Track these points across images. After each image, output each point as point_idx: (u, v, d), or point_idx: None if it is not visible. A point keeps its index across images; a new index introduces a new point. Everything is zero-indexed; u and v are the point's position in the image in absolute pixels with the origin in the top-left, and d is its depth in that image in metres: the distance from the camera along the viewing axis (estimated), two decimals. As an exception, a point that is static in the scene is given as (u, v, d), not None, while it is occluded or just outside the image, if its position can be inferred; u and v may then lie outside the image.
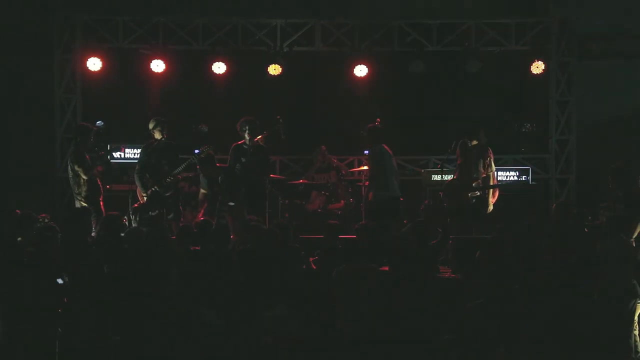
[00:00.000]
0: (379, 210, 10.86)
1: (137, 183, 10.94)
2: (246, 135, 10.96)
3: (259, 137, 11.17)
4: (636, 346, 7.89)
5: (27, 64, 13.67)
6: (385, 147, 11.22)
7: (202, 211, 11.57)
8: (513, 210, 11.48)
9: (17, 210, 8.72)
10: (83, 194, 10.64)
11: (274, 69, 13.24)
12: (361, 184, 12.00)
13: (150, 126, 10.94)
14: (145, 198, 10.80)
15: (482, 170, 10.95)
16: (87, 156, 10.78)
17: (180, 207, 11.11)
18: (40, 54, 13.54)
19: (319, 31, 13.62)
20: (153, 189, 10.73)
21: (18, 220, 8.52)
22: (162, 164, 10.83)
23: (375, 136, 11.27)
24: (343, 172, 12.92)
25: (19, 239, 8.37)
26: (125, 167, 12.55)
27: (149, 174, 10.82)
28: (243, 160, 10.87)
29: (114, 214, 9.17)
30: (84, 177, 10.63)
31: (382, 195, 10.98)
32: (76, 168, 10.65)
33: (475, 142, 11.06)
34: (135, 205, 10.86)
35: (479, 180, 10.94)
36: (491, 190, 10.97)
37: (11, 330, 7.47)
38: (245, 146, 10.93)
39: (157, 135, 10.93)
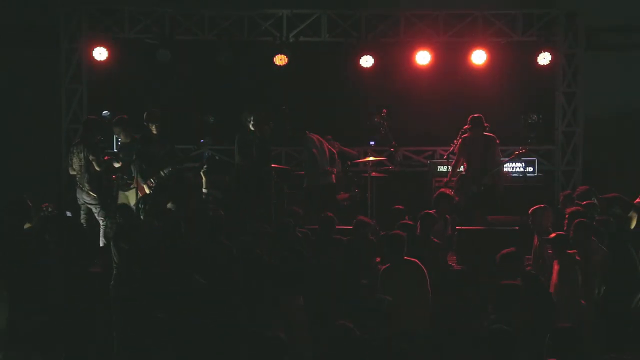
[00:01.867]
0: (310, 199, 11.18)
1: (135, 173, 10.93)
2: (250, 126, 10.98)
3: (265, 127, 11.18)
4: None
5: (32, 55, 13.68)
6: (312, 135, 11.60)
7: None
8: (516, 202, 11.49)
9: (20, 199, 8.74)
10: (94, 183, 10.59)
11: (280, 60, 13.24)
12: (367, 174, 12.00)
13: (144, 119, 10.89)
14: (145, 188, 10.79)
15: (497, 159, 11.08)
16: None
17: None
18: (45, 44, 13.56)
19: (325, 22, 13.59)
20: (151, 179, 10.73)
21: (22, 209, 8.53)
22: (158, 155, 10.79)
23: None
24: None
25: (26, 226, 8.40)
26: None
27: (145, 165, 10.79)
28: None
29: (123, 204, 9.25)
30: (98, 168, 10.59)
31: (314, 183, 11.27)
32: (91, 157, 10.55)
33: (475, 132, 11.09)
34: (141, 195, 10.84)
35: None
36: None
37: (17, 317, 7.50)
38: (249, 136, 10.93)
39: (152, 129, 10.87)
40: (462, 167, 11.41)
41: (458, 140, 11.48)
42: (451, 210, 9.97)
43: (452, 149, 11.93)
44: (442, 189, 10.17)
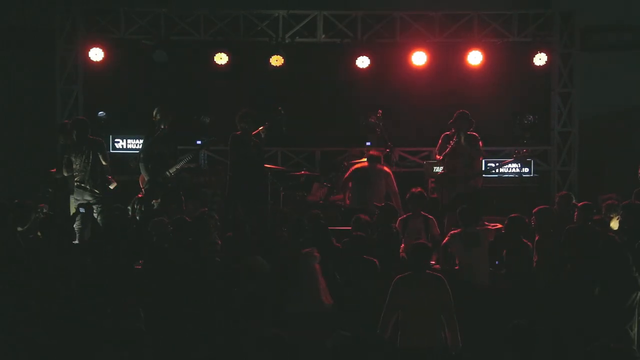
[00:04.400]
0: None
1: (143, 172, 10.92)
2: (244, 127, 10.95)
3: (261, 128, 11.17)
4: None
5: (28, 55, 13.67)
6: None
7: None
8: (512, 202, 11.47)
9: (16, 200, 8.71)
10: (98, 181, 10.47)
11: (276, 60, 13.24)
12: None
13: (154, 114, 10.91)
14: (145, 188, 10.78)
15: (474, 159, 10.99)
16: None
17: (182, 198, 11.07)
18: (41, 44, 13.54)
19: (321, 22, 13.60)
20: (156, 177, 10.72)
21: (16, 211, 8.48)
22: (164, 154, 10.80)
23: None
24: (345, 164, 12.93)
25: (19, 229, 8.38)
26: (127, 157, 12.60)
27: (151, 165, 10.79)
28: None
29: (117, 205, 9.23)
30: (104, 162, 10.45)
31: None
32: (98, 154, 10.43)
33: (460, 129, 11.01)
34: (140, 195, 10.83)
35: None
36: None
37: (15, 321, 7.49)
38: (243, 138, 10.91)
39: (160, 124, 10.86)
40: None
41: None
42: (429, 209, 10.01)
43: (448, 150, 11.89)
44: (413, 189, 10.11)
